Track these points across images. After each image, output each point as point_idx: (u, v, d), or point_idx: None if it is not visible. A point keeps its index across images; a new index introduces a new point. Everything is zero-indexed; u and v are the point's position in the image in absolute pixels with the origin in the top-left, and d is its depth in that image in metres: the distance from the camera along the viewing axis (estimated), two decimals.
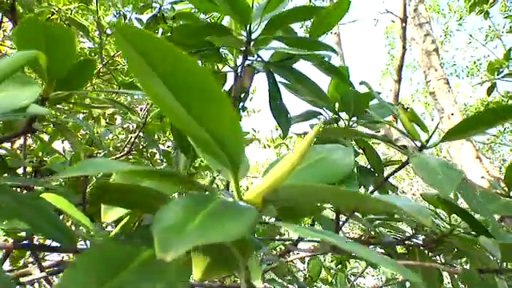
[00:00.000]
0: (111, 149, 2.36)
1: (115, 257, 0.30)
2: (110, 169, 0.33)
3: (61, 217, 1.05)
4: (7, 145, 1.48)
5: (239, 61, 1.16)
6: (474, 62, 13.59)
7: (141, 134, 1.90)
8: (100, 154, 2.12)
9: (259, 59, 1.09)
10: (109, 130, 2.21)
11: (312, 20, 1.08)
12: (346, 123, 1.25)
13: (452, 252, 1.03)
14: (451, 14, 14.17)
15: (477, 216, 0.77)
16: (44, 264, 1.14)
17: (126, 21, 2.64)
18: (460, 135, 0.74)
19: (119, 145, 2.49)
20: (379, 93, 1.30)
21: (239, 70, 1.09)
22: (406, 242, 1.03)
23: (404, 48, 5.72)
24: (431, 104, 11.53)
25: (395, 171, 0.92)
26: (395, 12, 5.95)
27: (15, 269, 1.27)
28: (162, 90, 0.29)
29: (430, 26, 5.81)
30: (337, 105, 1.24)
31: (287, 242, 1.33)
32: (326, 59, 1.02)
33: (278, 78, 1.10)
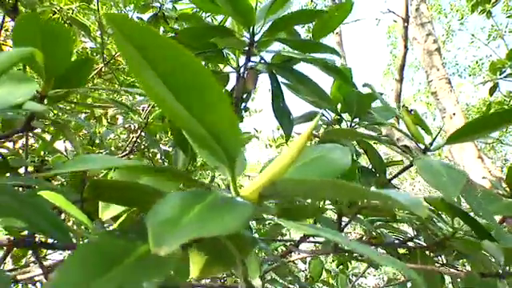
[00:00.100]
0: (113, 148, 2.37)
1: (110, 251, 0.30)
2: (107, 164, 0.33)
3: (62, 216, 1.05)
4: (9, 144, 1.48)
5: (241, 61, 1.16)
6: (477, 62, 13.57)
7: (142, 133, 1.90)
8: (101, 153, 2.12)
9: (262, 61, 1.09)
10: (110, 130, 2.21)
11: (315, 21, 1.08)
12: (349, 124, 1.24)
13: (453, 253, 1.02)
14: (453, 14, 14.16)
15: (480, 219, 0.77)
16: (45, 263, 1.14)
17: None
18: (463, 138, 0.74)
19: (120, 145, 2.50)
20: (381, 94, 1.30)
21: (241, 70, 1.09)
22: (408, 244, 1.03)
23: (406, 48, 5.71)
24: (433, 104, 11.51)
25: (398, 173, 0.92)
26: (397, 12, 5.94)
27: (17, 268, 1.27)
28: (159, 85, 0.29)
29: (431, 26, 5.80)
30: (339, 106, 1.24)
31: (289, 243, 1.33)
32: (329, 61, 1.02)
33: (280, 78, 1.11)
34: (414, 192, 11.06)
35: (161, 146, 2.14)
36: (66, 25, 2.30)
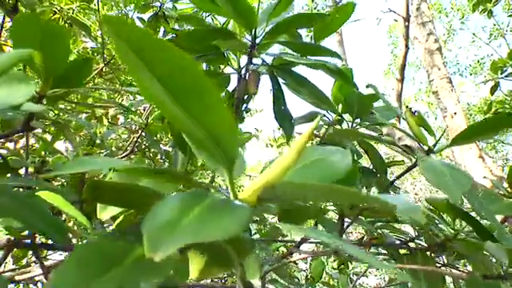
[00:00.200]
0: (114, 149, 2.36)
1: (109, 252, 0.30)
2: (106, 166, 0.32)
3: (64, 216, 1.05)
4: (10, 144, 1.48)
5: (243, 62, 1.16)
6: (478, 61, 13.56)
7: (143, 133, 1.90)
8: (102, 153, 2.12)
9: (264, 63, 1.09)
10: (111, 130, 2.21)
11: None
12: (350, 125, 1.24)
13: (454, 254, 1.02)
14: (454, 13, 14.14)
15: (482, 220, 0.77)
16: (46, 263, 1.14)
17: (128, 20, 2.64)
18: (467, 140, 0.75)
19: (121, 145, 2.50)
20: (383, 94, 1.30)
21: (243, 71, 1.08)
22: (409, 244, 1.02)
23: (407, 47, 5.70)
24: (434, 103, 11.50)
25: (402, 175, 0.91)
26: (398, 11, 5.93)
27: (18, 268, 1.27)
28: (157, 87, 0.29)
29: (432, 25, 5.80)
30: (340, 106, 1.23)
31: (289, 244, 1.33)
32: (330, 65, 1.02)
33: (281, 80, 1.10)
34: (414, 191, 11.04)
35: (161, 146, 2.14)
36: (67, 25, 2.31)
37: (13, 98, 0.41)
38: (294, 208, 0.68)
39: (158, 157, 2.25)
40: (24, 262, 1.46)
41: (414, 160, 0.84)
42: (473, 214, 0.80)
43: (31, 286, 1.26)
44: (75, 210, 0.44)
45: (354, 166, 0.49)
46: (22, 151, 1.28)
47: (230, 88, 1.26)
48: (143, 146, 2.21)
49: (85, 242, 0.48)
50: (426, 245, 0.99)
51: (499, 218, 1.08)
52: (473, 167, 4.93)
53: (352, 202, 0.44)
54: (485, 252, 0.81)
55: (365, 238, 1.24)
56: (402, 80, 5.77)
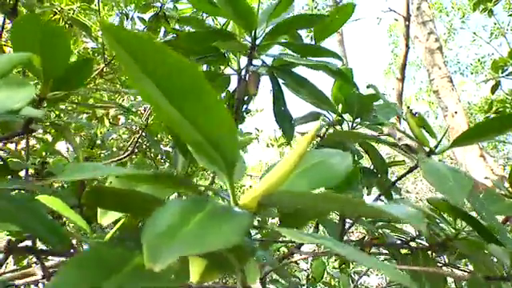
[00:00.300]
0: (114, 149, 2.36)
1: (109, 259, 0.29)
2: (106, 173, 0.32)
3: (64, 219, 1.05)
4: (11, 146, 1.48)
5: (243, 62, 1.16)
6: (479, 60, 13.54)
7: (144, 134, 1.90)
8: (103, 153, 2.12)
9: (264, 64, 1.09)
10: (113, 131, 2.21)
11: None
12: (350, 125, 1.24)
13: (455, 253, 1.02)
14: (454, 12, 14.12)
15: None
16: (47, 264, 1.14)
17: (129, 20, 2.64)
18: (468, 141, 0.74)
19: (122, 145, 2.49)
20: (383, 94, 1.29)
21: (243, 72, 1.08)
22: (410, 244, 1.02)
23: (407, 46, 5.70)
24: (435, 102, 11.49)
25: (402, 176, 0.91)
26: (398, 10, 5.92)
27: (18, 268, 1.27)
28: (155, 92, 0.29)
29: (433, 24, 5.79)
30: (340, 106, 1.23)
31: (290, 244, 1.33)
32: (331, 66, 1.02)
33: (281, 81, 1.10)
34: (416, 191, 11.03)
35: (162, 146, 2.14)
36: (67, 25, 2.30)
37: (12, 101, 0.40)
38: (295, 210, 0.68)
39: (159, 157, 2.25)
40: (25, 262, 1.46)
41: (414, 160, 0.84)
42: (473, 213, 0.80)
43: (32, 286, 1.26)
44: (75, 214, 0.44)
45: (354, 167, 0.49)
46: (22, 152, 1.28)
47: (231, 89, 1.26)
48: (144, 146, 2.21)
49: (85, 247, 0.49)
50: (427, 244, 0.99)
51: (501, 218, 1.08)
52: (474, 166, 4.93)
53: (349, 210, 0.44)
54: (486, 252, 0.81)
55: (366, 238, 1.24)
56: (402, 79, 5.77)
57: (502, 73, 3.84)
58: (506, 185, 1.15)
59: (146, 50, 0.27)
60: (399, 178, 0.94)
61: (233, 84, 1.25)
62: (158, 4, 2.30)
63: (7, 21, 1.50)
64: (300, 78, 1.05)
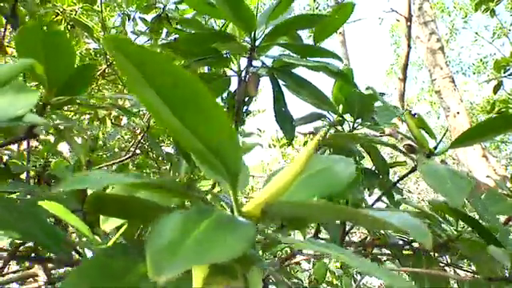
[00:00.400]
0: (116, 150, 2.37)
1: (112, 269, 0.29)
2: (109, 182, 0.32)
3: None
4: (13, 146, 1.48)
5: (243, 63, 1.16)
6: (481, 60, 13.52)
7: (145, 135, 1.90)
8: (106, 154, 2.12)
9: (264, 65, 1.09)
10: (116, 131, 2.21)
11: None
12: (351, 125, 1.24)
13: (457, 254, 1.02)
14: (456, 12, 14.10)
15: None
16: (48, 265, 1.14)
17: (130, 21, 2.64)
18: (468, 142, 0.74)
19: (124, 146, 2.50)
20: (384, 94, 1.29)
21: (243, 74, 1.08)
22: (413, 244, 1.02)
23: (409, 47, 5.70)
24: (437, 102, 11.48)
25: (402, 178, 0.91)
26: (400, 11, 5.92)
27: (21, 270, 1.27)
28: (157, 101, 0.29)
29: (435, 25, 5.78)
30: (341, 107, 1.23)
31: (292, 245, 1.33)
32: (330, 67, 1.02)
33: (281, 82, 1.10)
34: (418, 191, 11.01)
35: (164, 147, 2.14)
36: (69, 26, 2.31)
37: (15, 108, 0.40)
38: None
39: (161, 158, 2.25)
40: (27, 263, 1.47)
41: (415, 161, 0.84)
42: (474, 213, 0.80)
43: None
44: (77, 220, 0.44)
45: (356, 168, 0.50)
46: (25, 153, 1.28)
47: (232, 89, 1.26)
48: (146, 147, 2.21)
49: (88, 255, 0.49)
50: None
51: (503, 218, 1.08)
52: (476, 166, 4.92)
53: (350, 220, 0.44)
54: (488, 253, 0.81)
55: (368, 239, 1.24)
56: (404, 79, 5.77)
57: (504, 73, 3.83)
58: (509, 185, 1.14)
59: (146, 59, 0.27)
60: (400, 179, 0.94)
61: (233, 85, 1.25)
62: (161, 5, 2.30)
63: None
64: (300, 79, 1.05)
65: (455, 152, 5.58)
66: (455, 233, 0.90)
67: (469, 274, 1.04)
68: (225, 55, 1.13)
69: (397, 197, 1.16)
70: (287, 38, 1.12)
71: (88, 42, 2.97)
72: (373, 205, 1.02)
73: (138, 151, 2.03)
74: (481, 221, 0.77)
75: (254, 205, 0.37)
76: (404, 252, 1.08)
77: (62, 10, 2.29)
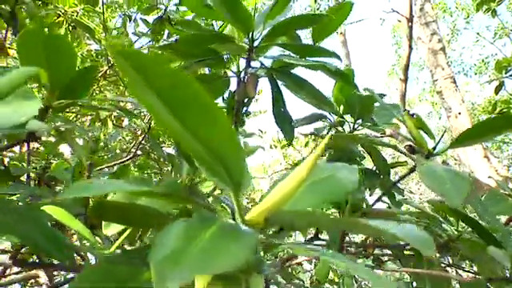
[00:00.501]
0: (118, 151, 2.37)
1: (116, 275, 0.30)
2: (112, 189, 0.32)
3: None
4: (16, 148, 1.48)
5: (242, 64, 1.16)
6: (482, 60, 13.50)
7: (146, 136, 1.90)
8: (107, 155, 2.12)
9: (262, 66, 1.09)
10: (117, 133, 2.22)
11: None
12: (351, 126, 1.24)
13: (458, 254, 1.02)
14: (458, 13, 14.08)
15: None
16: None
17: (132, 22, 2.65)
18: (468, 142, 0.73)
19: (125, 147, 2.50)
20: (384, 95, 1.29)
21: (242, 74, 1.08)
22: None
23: (410, 47, 5.68)
24: (438, 103, 11.46)
25: (401, 178, 0.91)
26: (401, 11, 5.91)
27: (23, 271, 1.27)
28: (157, 104, 0.29)
29: (436, 25, 5.78)
30: (341, 107, 1.23)
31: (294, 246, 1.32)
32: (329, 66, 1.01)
33: (280, 82, 1.10)
34: (420, 191, 11.00)
35: (165, 148, 2.14)
36: (71, 27, 2.31)
37: (18, 115, 0.41)
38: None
39: (163, 159, 2.25)
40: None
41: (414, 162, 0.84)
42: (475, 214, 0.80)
43: None
44: (80, 224, 0.44)
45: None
46: (26, 155, 1.28)
47: (232, 89, 1.26)
48: (147, 148, 2.22)
49: (92, 261, 0.49)
50: None
51: (504, 218, 1.08)
52: (478, 167, 4.92)
53: (350, 229, 0.44)
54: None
55: (369, 240, 1.24)
56: (405, 80, 5.76)
57: (505, 73, 3.82)
58: (511, 185, 1.14)
59: (147, 63, 0.27)
60: (399, 180, 0.94)
61: (233, 86, 1.25)
62: (162, 6, 2.31)
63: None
64: (299, 79, 1.05)
65: (457, 153, 5.58)
66: (456, 233, 0.90)
67: (470, 274, 1.04)
68: (225, 56, 1.13)
69: (398, 197, 1.16)
70: (286, 38, 1.11)
71: (89, 44, 2.97)
72: (373, 205, 1.02)
73: (139, 152, 2.03)
74: (480, 221, 0.77)
75: (257, 212, 0.37)
76: (405, 252, 1.08)
77: (63, 11, 2.30)
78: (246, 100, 1.15)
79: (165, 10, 2.29)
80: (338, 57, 1.03)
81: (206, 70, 1.38)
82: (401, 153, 0.88)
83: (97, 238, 0.53)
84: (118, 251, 0.47)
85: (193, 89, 0.29)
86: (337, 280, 2.43)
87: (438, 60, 5.50)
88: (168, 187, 0.81)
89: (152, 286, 0.28)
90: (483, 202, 0.89)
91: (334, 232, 0.96)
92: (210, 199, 1.08)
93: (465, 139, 0.72)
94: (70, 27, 2.35)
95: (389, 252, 1.18)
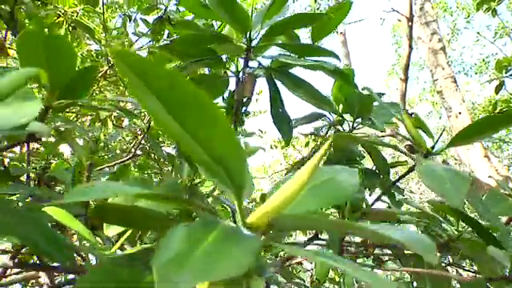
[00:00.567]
0: (118, 151, 2.37)
1: (119, 279, 0.30)
2: (113, 193, 0.32)
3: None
4: (16, 149, 1.48)
5: (240, 64, 1.16)
6: (483, 60, 13.49)
7: (146, 136, 1.90)
8: (107, 155, 2.12)
9: (260, 66, 1.09)
10: (117, 133, 2.22)
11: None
12: (351, 125, 1.24)
13: (458, 254, 1.02)
14: (458, 12, 14.07)
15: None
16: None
17: (132, 22, 2.65)
18: (466, 140, 0.73)
19: (125, 147, 2.50)
20: (383, 94, 1.29)
21: (240, 74, 1.08)
22: None
23: (410, 47, 5.69)
24: (439, 102, 11.46)
25: (400, 178, 0.91)
26: (401, 11, 5.91)
27: (23, 271, 1.27)
28: (157, 106, 0.29)
29: (436, 25, 5.78)
30: (341, 106, 1.23)
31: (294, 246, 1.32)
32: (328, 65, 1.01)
33: (279, 82, 1.10)
34: (420, 191, 11.00)
35: (165, 148, 2.14)
36: (70, 27, 2.31)
37: (18, 117, 0.40)
38: None
39: (163, 159, 2.25)
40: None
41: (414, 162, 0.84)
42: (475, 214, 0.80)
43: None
44: (80, 225, 0.44)
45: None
46: (26, 155, 1.28)
47: (232, 89, 1.26)
48: (147, 148, 2.22)
49: (93, 263, 0.49)
50: None
51: (504, 218, 1.08)
52: (478, 167, 4.92)
53: (351, 232, 0.44)
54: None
55: (369, 240, 1.24)
56: (405, 80, 5.76)
57: (505, 73, 3.82)
58: (511, 185, 1.14)
59: (146, 65, 0.27)
60: (398, 179, 0.94)
61: (233, 86, 1.25)
62: (162, 6, 2.30)
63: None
64: (297, 79, 1.05)
65: (457, 153, 5.58)
66: (456, 233, 0.90)
67: (470, 273, 1.04)
68: (225, 56, 1.12)
69: (398, 197, 1.16)
70: (284, 38, 1.11)
71: (89, 44, 2.97)
72: (372, 204, 1.02)
73: (139, 152, 2.03)
74: (480, 221, 0.77)
75: (259, 216, 0.37)
76: (405, 252, 1.08)
77: (63, 11, 2.29)
78: (245, 100, 1.15)
79: (165, 10, 2.29)
80: (336, 56, 1.03)
81: (206, 70, 1.38)
82: (401, 152, 0.88)
83: (97, 239, 0.53)
84: (119, 252, 0.48)
85: (191, 89, 0.29)
86: (337, 279, 2.43)
87: (439, 59, 5.50)
88: (168, 188, 0.82)
89: None
90: (483, 201, 0.89)
91: (334, 232, 0.96)
92: (210, 199, 1.08)
93: (463, 137, 0.71)
94: (70, 27, 2.35)
95: (389, 252, 1.18)
